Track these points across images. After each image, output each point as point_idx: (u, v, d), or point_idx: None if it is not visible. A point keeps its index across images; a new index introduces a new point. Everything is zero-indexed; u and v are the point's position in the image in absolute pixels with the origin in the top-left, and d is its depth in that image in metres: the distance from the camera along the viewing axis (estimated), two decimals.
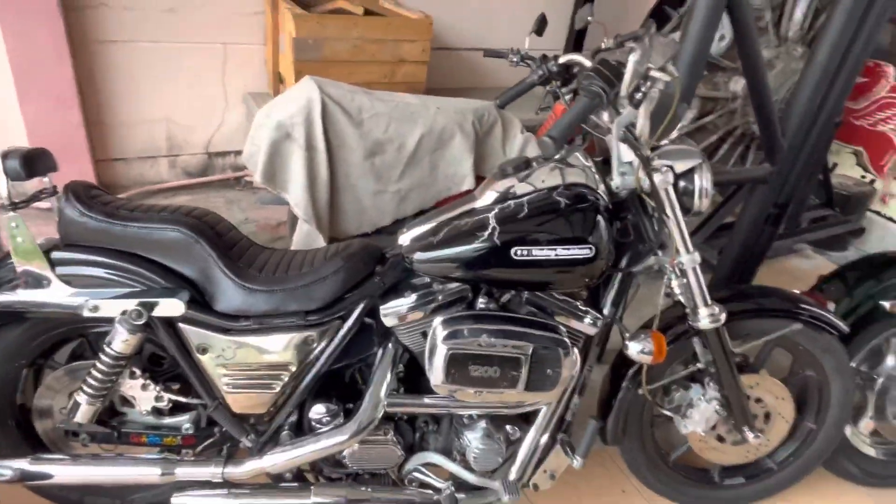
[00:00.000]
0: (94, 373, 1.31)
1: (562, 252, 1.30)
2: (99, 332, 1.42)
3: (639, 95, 1.25)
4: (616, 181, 1.38)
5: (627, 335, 1.43)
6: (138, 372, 1.38)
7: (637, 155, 1.31)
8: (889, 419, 1.84)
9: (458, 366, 1.29)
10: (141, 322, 1.26)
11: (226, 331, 1.33)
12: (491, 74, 3.45)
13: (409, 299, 1.37)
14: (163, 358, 1.46)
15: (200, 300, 1.33)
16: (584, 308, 1.41)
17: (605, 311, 1.44)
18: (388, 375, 1.40)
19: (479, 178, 2.40)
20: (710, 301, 1.46)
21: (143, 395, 1.39)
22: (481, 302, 1.38)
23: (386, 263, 1.42)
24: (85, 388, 1.32)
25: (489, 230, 1.30)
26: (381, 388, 1.38)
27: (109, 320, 1.30)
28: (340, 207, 2.25)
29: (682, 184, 1.35)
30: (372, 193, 2.27)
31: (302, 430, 1.43)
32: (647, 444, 1.71)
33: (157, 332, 1.31)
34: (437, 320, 1.33)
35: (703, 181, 1.35)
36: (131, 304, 1.27)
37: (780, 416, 1.68)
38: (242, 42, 2.70)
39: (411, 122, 2.21)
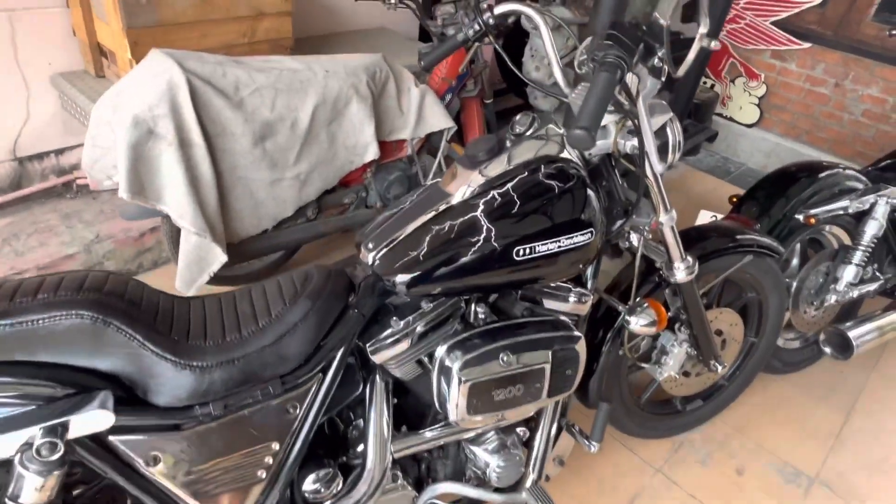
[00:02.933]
0: None
1: (565, 242, 1.16)
2: None
3: (657, 62, 1.11)
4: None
5: (624, 309, 1.37)
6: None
7: (629, 116, 1.18)
8: (801, 313, 2.06)
9: (479, 395, 1.12)
10: (57, 455, 0.89)
11: (177, 428, 1.01)
12: (357, 16, 3.06)
13: (397, 328, 1.15)
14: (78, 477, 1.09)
15: (129, 397, 0.98)
16: (574, 289, 1.30)
17: (589, 286, 1.36)
18: (386, 417, 1.19)
19: (381, 144, 2.14)
20: (684, 255, 1.44)
21: None
22: (479, 311, 1.21)
23: (357, 290, 1.17)
24: None
25: (483, 233, 1.11)
26: (383, 435, 1.18)
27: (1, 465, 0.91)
28: (231, 207, 1.86)
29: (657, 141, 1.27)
30: (267, 184, 1.90)
31: None
32: (623, 397, 1.72)
33: (82, 457, 0.95)
34: (441, 348, 1.13)
35: (675, 135, 1.28)
36: (33, 433, 0.89)
37: (733, 341, 1.78)
38: (33, 6, 2.01)
39: (301, 92, 1.85)
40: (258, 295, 1.14)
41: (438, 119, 2.28)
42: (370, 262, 1.15)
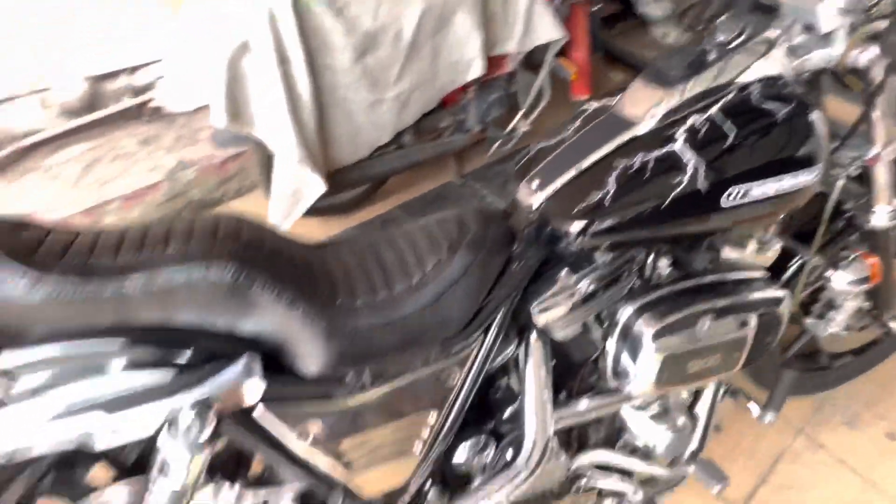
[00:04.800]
0: None
1: (787, 183, 0.92)
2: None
3: None
4: (801, 58, 0.99)
5: (825, 263, 1.14)
6: (226, 483, 0.90)
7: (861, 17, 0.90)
8: None
9: (672, 367, 0.94)
10: (207, 430, 0.77)
11: (328, 396, 0.87)
12: None
13: (567, 285, 0.96)
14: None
15: (274, 364, 0.84)
16: (769, 240, 1.08)
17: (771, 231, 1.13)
18: (546, 384, 1.03)
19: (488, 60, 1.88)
20: (892, 197, 1.19)
21: (217, 501, 0.93)
22: (662, 266, 1.01)
23: (521, 239, 0.98)
24: None
25: (689, 170, 0.89)
26: (543, 404, 1.02)
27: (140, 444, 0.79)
28: (329, 133, 1.67)
29: None
30: (367, 106, 1.69)
31: (446, 482, 1.05)
32: (773, 351, 1.53)
33: (229, 431, 0.83)
34: (626, 311, 0.95)
35: None
36: (177, 405, 0.76)
37: None
38: None
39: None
40: (405, 242, 0.96)
41: (548, 29, 1.98)
42: (537, 205, 0.94)
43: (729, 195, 0.90)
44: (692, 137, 0.90)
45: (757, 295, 0.98)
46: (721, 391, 1.22)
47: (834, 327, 1.43)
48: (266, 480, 0.98)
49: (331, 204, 2.04)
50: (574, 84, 2.31)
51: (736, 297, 0.96)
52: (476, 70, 1.85)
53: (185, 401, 0.77)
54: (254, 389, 0.80)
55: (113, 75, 2.06)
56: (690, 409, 1.22)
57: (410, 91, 1.75)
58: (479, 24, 1.77)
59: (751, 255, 1.08)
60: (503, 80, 2.11)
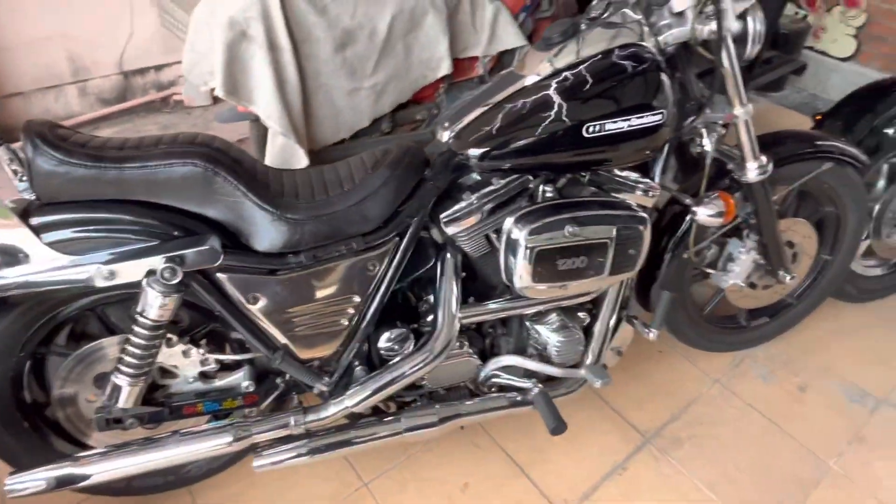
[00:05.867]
0: (131, 349, 1.09)
1: (635, 122, 1.19)
2: (110, 304, 1.18)
3: None
4: (664, 35, 1.26)
5: (691, 201, 1.38)
6: (175, 338, 1.17)
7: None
8: (883, 238, 1.98)
9: (544, 263, 1.19)
10: (176, 280, 1.04)
11: (274, 272, 1.14)
12: None
13: (469, 201, 1.22)
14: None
15: (234, 243, 1.12)
16: (642, 180, 1.33)
17: (657, 181, 1.38)
18: (455, 287, 1.28)
19: (453, 62, 2.18)
20: (758, 153, 1.43)
21: (186, 363, 1.20)
22: (546, 190, 1.27)
23: (433, 165, 1.25)
24: (123, 368, 1.11)
25: (555, 108, 1.16)
26: (452, 303, 1.28)
27: (130, 286, 1.07)
28: (313, 113, 1.98)
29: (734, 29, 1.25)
30: (346, 92, 2.00)
31: (372, 362, 1.31)
32: (686, 304, 1.74)
33: (194, 289, 1.10)
34: (510, 220, 1.20)
35: (756, 24, 1.26)
36: (158, 262, 1.04)
37: (805, 255, 1.75)
38: None
39: (380, 2, 1.92)
40: (343, 166, 1.25)
41: (511, 37, 2.29)
42: (446, 139, 1.22)
43: (588, 129, 1.17)
44: (561, 87, 1.17)
45: (618, 212, 1.22)
46: (614, 317, 1.44)
47: (734, 278, 1.65)
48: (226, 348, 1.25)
49: None
50: None
51: (598, 212, 1.21)
52: (445, 68, 2.15)
53: (162, 258, 1.05)
54: (213, 256, 1.07)
55: (142, 72, 2.43)
56: (587, 329, 1.45)
57: (385, 82, 2.06)
58: (446, 30, 2.08)
59: (639, 197, 1.32)
60: (474, 82, 2.41)
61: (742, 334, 1.91)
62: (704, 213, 1.34)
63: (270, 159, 1.94)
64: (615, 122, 1.17)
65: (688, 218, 1.53)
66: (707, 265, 1.69)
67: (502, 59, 2.41)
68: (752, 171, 1.43)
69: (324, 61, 1.89)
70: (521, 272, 1.19)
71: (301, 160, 1.94)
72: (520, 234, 1.17)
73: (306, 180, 1.21)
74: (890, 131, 1.77)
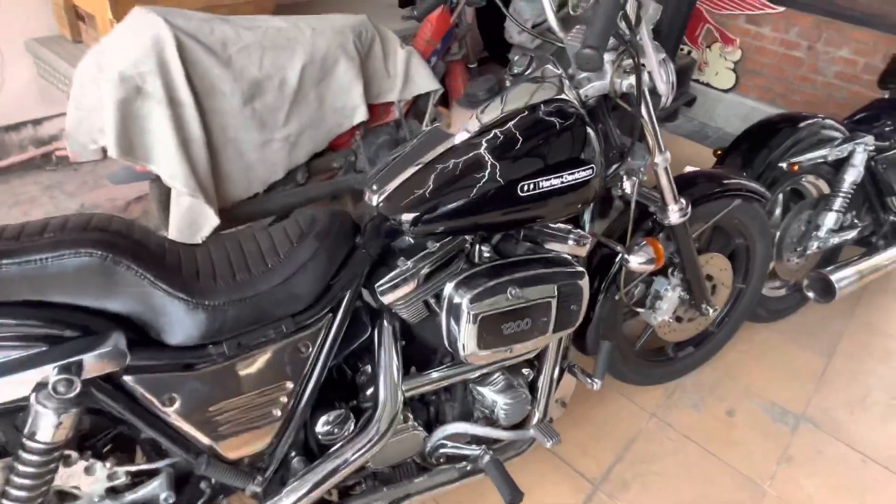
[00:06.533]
0: (18, 480, 0.91)
1: (568, 178, 1.18)
2: None
3: None
4: (585, 88, 1.27)
5: (621, 249, 1.40)
6: (74, 454, 1.00)
7: (630, 48, 1.20)
8: (784, 261, 2.13)
9: (489, 328, 1.14)
10: (73, 393, 0.89)
11: (191, 367, 1.01)
12: None
13: (405, 268, 1.16)
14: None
15: (141, 338, 0.98)
16: (574, 230, 1.32)
17: (587, 229, 1.38)
18: (396, 358, 1.20)
19: (369, 107, 2.13)
20: (678, 196, 1.48)
21: (89, 481, 1.03)
22: (484, 251, 1.23)
23: (364, 232, 1.18)
24: (8, 502, 0.92)
25: (488, 168, 1.13)
26: (393, 375, 1.19)
27: (14, 404, 0.90)
28: (222, 169, 1.84)
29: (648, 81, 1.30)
30: (257, 145, 1.88)
31: (310, 450, 1.19)
32: (619, 344, 1.76)
33: (97, 398, 0.94)
34: (450, 286, 1.15)
35: (670, 74, 1.31)
36: (49, 372, 0.88)
37: (723, 286, 1.83)
38: None
39: (288, 50, 1.83)
40: (263, 237, 1.14)
41: (425, 81, 2.27)
42: (375, 203, 1.15)
43: (521, 188, 1.14)
44: (492, 145, 1.14)
45: (557, 269, 1.21)
46: (556, 369, 1.42)
47: (662, 315, 1.69)
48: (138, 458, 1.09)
49: None
50: None
51: (539, 271, 1.18)
52: (360, 115, 2.09)
53: (53, 367, 0.89)
54: (117, 357, 0.92)
55: (16, 127, 2.17)
56: (532, 384, 1.41)
57: (298, 133, 1.96)
58: (359, 76, 2.02)
59: (572, 247, 1.31)
60: (390, 126, 2.37)
61: (671, 365, 1.96)
62: (636, 262, 1.36)
63: (176, 221, 1.77)
64: (549, 179, 1.16)
65: (617, 261, 1.55)
66: (636, 303, 1.73)
67: (417, 101, 2.38)
68: (674, 213, 1.48)
69: (231, 115, 1.77)
70: (465, 339, 1.14)
71: (210, 220, 1.79)
72: (462, 300, 1.12)
73: (223, 256, 1.09)
74: (783, 165, 1.91)
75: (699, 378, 2.02)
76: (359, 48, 2.02)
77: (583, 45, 0.95)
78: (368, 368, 1.25)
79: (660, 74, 1.29)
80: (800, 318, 2.30)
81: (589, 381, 1.42)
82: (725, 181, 1.68)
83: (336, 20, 1.99)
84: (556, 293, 1.19)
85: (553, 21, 1.34)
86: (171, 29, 1.58)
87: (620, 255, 1.39)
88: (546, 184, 1.16)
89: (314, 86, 1.94)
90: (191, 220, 1.78)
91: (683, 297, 1.71)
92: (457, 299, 1.13)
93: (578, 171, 1.18)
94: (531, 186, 1.15)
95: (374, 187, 1.16)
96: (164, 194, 1.85)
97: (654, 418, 1.87)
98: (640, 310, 1.70)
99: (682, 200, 1.49)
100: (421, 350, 1.29)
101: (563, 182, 1.17)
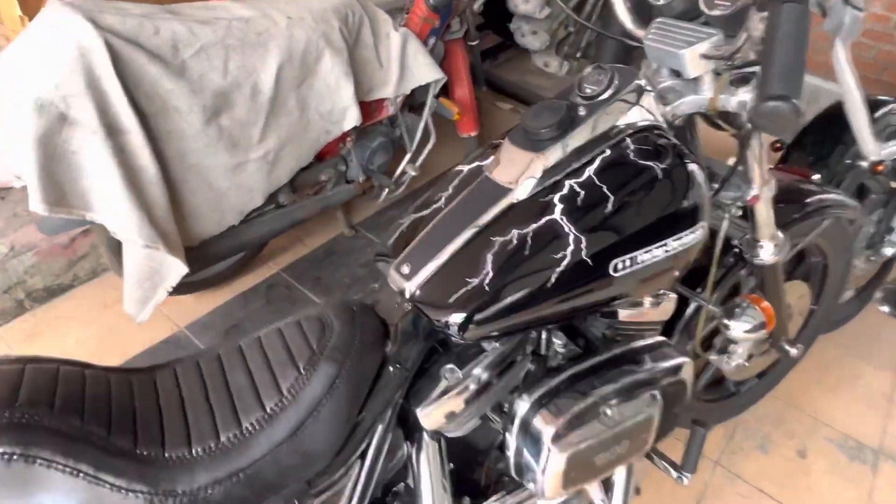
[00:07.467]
0: None
1: (673, 244, 0.85)
2: None
3: None
4: (674, 104, 0.94)
5: (719, 312, 1.09)
6: None
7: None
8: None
9: (578, 464, 0.83)
10: None
11: None
12: None
13: (453, 384, 0.83)
14: None
15: None
16: (662, 294, 1.01)
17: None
18: (443, 486, 0.90)
19: (360, 106, 1.75)
20: (776, 232, 1.17)
21: None
22: (557, 344, 0.91)
23: (394, 336, 0.84)
24: None
25: (571, 243, 0.80)
26: None
27: None
28: (186, 204, 1.47)
29: None
30: (228, 170, 1.51)
31: None
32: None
33: None
34: (523, 406, 0.83)
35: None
36: None
37: (798, 314, 1.56)
38: None
39: (259, 48, 1.43)
40: (255, 356, 0.80)
41: (425, 70, 1.89)
42: (408, 295, 0.81)
43: (616, 266, 0.82)
44: (570, 204, 0.81)
45: (658, 365, 0.90)
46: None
47: (736, 359, 1.41)
48: None
49: (204, 278, 1.82)
50: (459, 123, 2.24)
51: (637, 375, 0.87)
52: (352, 119, 1.72)
53: None
54: None
55: None
56: (606, 489, 1.12)
57: (279, 148, 1.58)
58: (348, 72, 1.64)
59: (652, 311, 1.00)
60: (384, 125, 1.99)
61: (733, 401, 1.70)
62: (741, 330, 1.06)
63: (133, 273, 1.41)
64: (649, 250, 0.83)
65: (691, 308, 1.25)
66: (704, 347, 1.44)
67: (414, 92, 2.00)
68: (768, 251, 1.18)
69: (191, 137, 1.38)
70: (546, 476, 0.83)
71: (175, 269, 1.43)
72: (543, 431, 0.81)
73: (199, 399, 0.75)
74: (863, 164, 1.61)
75: (760, 410, 1.77)
76: (346, 36, 1.63)
77: (764, 94, 0.61)
78: (404, 488, 0.95)
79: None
80: (855, 325, 2.06)
81: (676, 474, 1.13)
82: (813, 196, 1.37)
83: (315, 2, 1.59)
84: (660, 399, 0.88)
85: (621, 10, 1.00)
86: (101, 33, 1.17)
87: (717, 319, 1.09)
88: (646, 256, 0.84)
89: (294, 89, 1.55)
90: (151, 270, 1.42)
91: (761, 338, 1.42)
92: (536, 426, 0.82)
93: (686, 235, 0.86)
94: (627, 263, 0.82)
95: (406, 269, 0.83)
96: (110, 238, 1.47)
97: (720, 468, 1.61)
98: (711, 357, 1.41)
99: (781, 235, 1.18)
100: (466, 462, 0.99)
101: (667, 252, 0.85)
